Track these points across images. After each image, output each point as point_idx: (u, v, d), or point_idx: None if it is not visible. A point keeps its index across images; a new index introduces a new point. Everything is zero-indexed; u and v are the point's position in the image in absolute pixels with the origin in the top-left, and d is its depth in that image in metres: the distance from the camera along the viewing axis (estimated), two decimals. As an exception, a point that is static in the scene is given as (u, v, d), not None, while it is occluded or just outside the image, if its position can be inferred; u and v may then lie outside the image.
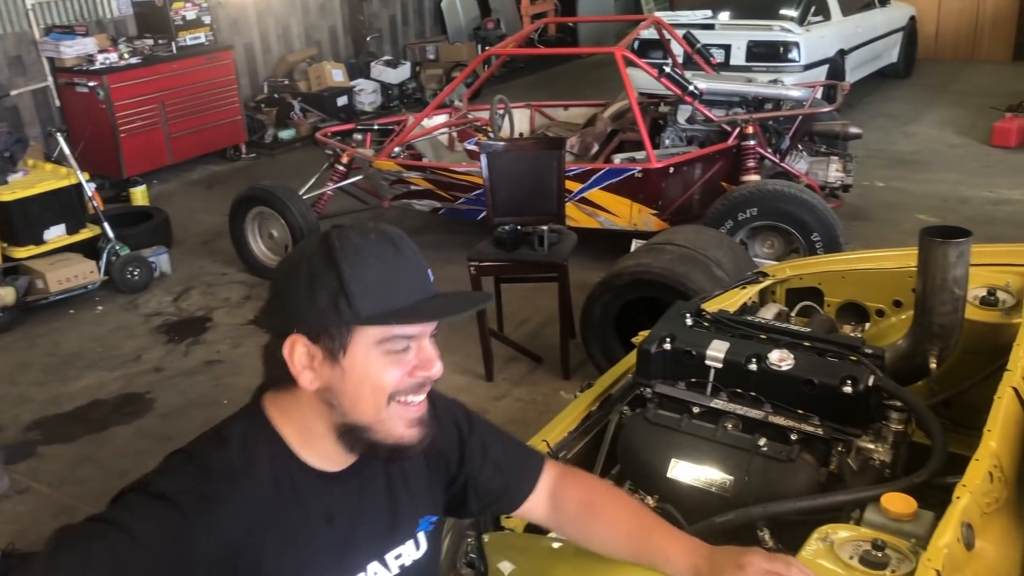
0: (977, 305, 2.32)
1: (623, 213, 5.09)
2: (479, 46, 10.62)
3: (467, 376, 4.21)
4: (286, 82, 9.20)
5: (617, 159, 5.36)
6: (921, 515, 1.57)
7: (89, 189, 5.43)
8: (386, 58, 10.23)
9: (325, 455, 1.27)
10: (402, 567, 1.36)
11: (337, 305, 1.16)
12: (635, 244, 4.73)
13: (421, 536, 1.39)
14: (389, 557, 1.34)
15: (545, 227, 4.06)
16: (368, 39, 10.36)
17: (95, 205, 5.47)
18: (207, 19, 8.01)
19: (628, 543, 1.43)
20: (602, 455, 2.04)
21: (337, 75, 9.37)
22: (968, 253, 2.00)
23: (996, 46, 10.83)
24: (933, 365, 2.04)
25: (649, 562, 1.38)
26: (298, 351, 1.19)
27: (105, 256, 5.38)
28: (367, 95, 9.55)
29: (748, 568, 1.29)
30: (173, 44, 7.70)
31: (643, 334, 2.26)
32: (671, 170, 4.94)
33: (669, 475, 1.93)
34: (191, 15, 7.84)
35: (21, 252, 5.24)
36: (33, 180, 5.42)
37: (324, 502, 1.26)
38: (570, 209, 4.75)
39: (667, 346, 2.06)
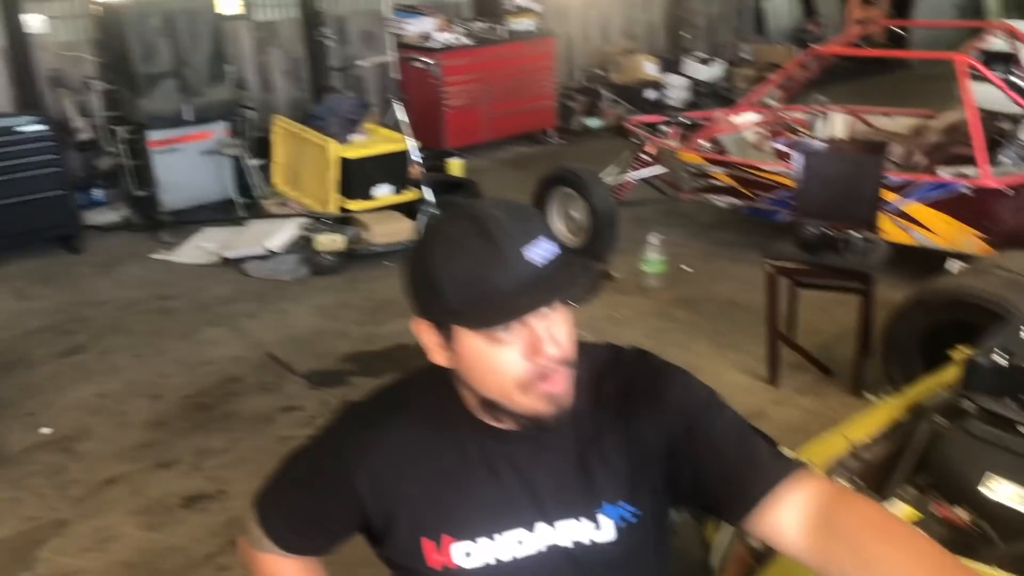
0: None
1: (942, 232, 4.72)
2: (797, 49, 10.28)
3: (748, 376, 4.14)
4: (601, 72, 9.45)
5: (944, 173, 4.97)
6: None
7: (414, 156, 5.91)
8: (700, 55, 10.19)
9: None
10: (577, 543, 1.29)
11: (433, 298, 1.17)
12: (953, 264, 4.37)
13: (603, 518, 1.29)
14: (561, 525, 1.29)
15: (856, 234, 3.87)
16: (684, 35, 10.37)
17: (421, 171, 5.95)
18: (536, 7, 8.43)
19: None
20: (907, 462, 1.93)
21: (649, 68, 9.48)
22: None
23: None
24: None
25: None
26: (424, 334, 1.24)
27: (422, 217, 5.85)
28: (676, 91, 9.56)
29: None
30: (502, 28, 8.18)
31: (964, 350, 2.18)
32: (1011, 192, 4.50)
33: (983, 490, 1.80)
34: (522, 2, 8.29)
35: (353, 205, 5.86)
36: (370, 142, 6.04)
37: (487, 453, 1.28)
38: (882, 221, 4.49)
39: (1002, 361, 1.92)
